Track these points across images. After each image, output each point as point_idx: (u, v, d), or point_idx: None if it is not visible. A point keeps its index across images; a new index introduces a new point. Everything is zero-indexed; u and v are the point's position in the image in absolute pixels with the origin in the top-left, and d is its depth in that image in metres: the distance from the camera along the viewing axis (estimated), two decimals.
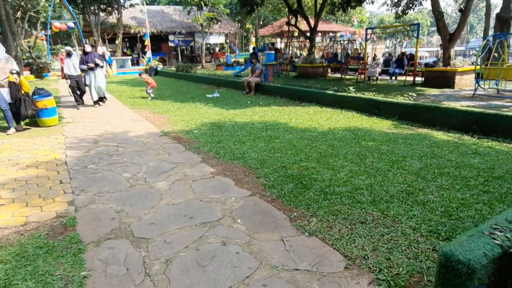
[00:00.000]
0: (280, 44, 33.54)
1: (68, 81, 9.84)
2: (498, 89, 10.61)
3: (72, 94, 10.16)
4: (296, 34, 29.17)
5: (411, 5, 19.45)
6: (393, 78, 14.73)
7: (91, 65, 9.75)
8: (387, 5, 19.64)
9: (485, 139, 5.86)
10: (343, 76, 16.44)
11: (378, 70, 15.24)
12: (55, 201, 3.60)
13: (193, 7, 25.35)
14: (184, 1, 25.68)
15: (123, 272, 2.44)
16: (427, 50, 35.97)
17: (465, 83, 12.32)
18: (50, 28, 21.15)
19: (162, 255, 2.62)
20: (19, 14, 17.50)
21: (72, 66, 9.57)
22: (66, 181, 4.20)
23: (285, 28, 24.76)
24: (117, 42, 25.55)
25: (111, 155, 5.38)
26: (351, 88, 9.24)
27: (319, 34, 36.61)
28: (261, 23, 43.69)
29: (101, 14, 25.02)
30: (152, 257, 2.58)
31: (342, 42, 18.72)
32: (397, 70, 14.59)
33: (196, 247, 2.73)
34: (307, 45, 21.79)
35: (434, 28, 14.53)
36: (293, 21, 20.18)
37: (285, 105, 9.69)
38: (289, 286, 2.29)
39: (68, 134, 6.87)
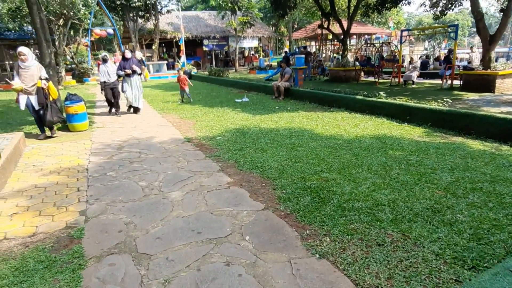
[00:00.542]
0: (314, 47, 33.07)
1: (103, 92, 9.84)
2: None
3: (106, 103, 10.19)
4: (330, 37, 28.68)
5: (450, 5, 18.47)
6: (445, 81, 13.60)
7: (128, 71, 9.58)
8: (425, 6, 18.70)
9: None
10: (376, 80, 15.88)
11: (416, 73, 14.56)
12: (68, 211, 3.64)
13: (227, 12, 25.60)
14: (218, 6, 26.01)
15: None
16: (467, 52, 34.11)
17: (506, 87, 11.48)
18: (91, 35, 22.12)
19: (161, 274, 2.53)
20: (61, 21, 18.40)
21: (107, 73, 9.47)
22: (83, 189, 4.26)
23: (319, 31, 24.39)
24: (153, 47, 26.30)
25: (132, 162, 5.43)
26: (381, 93, 8.84)
27: (354, 36, 35.81)
28: (295, 26, 43.44)
29: (139, 20, 25.86)
30: (151, 277, 2.50)
31: (376, 44, 18.09)
32: (447, 73, 13.50)
33: (198, 266, 2.62)
34: (340, 48, 21.29)
35: (475, 29, 13.68)
36: (326, 24, 19.82)
37: (313, 111, 9.44)
38: None
39: (95, 139, 7.05)
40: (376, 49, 16.99)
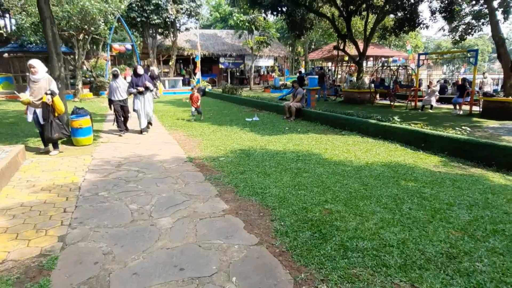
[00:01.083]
0: (330, 68, 32.93)
1: (112, 108, 9.12)
2: None
3: (115, 121, 9.26)
4: (346, 58, 28.51)
5: (469, 30, 18.13)
6: (457, 108, 13.19)
7: (141, 89, 8.89)
8: (444, 30, 18.41)
9: None
10: (392, 103, 15.48)
11: (434, 98, 14.12)
12: (47, 235, 3.38)
13: (245, 31, 25.81)
14: (236, 26, 26.27)
15: None
16: (480, 78, 33.36)
17: None
18: (110, 50, 22.53)
19: None
20: (81, 36, 18.79)
21: (117, 90, 8.91)
22: (69, 210, 4.01)
23: (335, 52, 24.25)
24: (170, 63, 26.61)
25: (128, 181, 5.19)
26: (396, 117, 8.47)
27: (371, 58, 35.59)
28: (312, 46, 43.61)
29: (158, 37, 26.30)
30: None
31: (391, 67, 17.78)
32: (460, 100, 13.14)
33: None
34: (356, 69, 21.04)
35: (496, 55, 13.23)
36: (342, 46, 19.66)
37: (324, 133, 9.12)
38: None
39: (96, 155, 6.88)
40: (392, 72, 16.65)
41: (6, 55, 21.20)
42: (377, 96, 17.19)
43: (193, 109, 11.62)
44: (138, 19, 22.53)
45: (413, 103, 14.97)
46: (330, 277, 2.72)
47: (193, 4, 24.62)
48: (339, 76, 31.51)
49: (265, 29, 25.97)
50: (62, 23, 16.63)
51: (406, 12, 17.24)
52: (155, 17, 22.32)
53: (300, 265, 2.91)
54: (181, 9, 23.86)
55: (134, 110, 9.27)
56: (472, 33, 18.68)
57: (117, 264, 2.89)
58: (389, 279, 2.69)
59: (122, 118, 9.28)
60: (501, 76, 19.53)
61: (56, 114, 6.61)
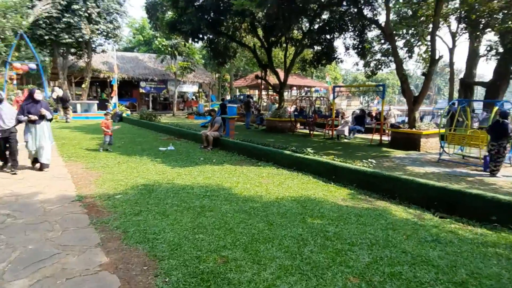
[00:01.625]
0: (252, 96, 33.57)
1: None
2: (463, 155, 10.15)
3: None
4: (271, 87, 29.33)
5: (380, 66, 19.86)
6: (351, 135, 14.62)
7: (33, 117, 7.31)
8: (357, 64, 19.88)
9: (448, 219, 5.07)
10: (311, 132, 15.95)
11: (347, 128, 14.84)
12: None
13: (167, 55, 25.17)
14: (158, 50, 25.54)
15: None
16: (398, 108, 36.92)
17: (430, 146, 11.91)
18: (10, 68, 20.19)
19: None
20: None
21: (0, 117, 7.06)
22: None
23: (259, 80, 24.74)
24: (83, 86, 24.73)
25: None
26: (309, 149, 8.50)
27: (295, 88, 37.22)
28: (239, 73, 44.39)
29: (70, 57, 24.39)
30: None
31: (310, 97, 18.52)
32: (357, 127, 14.47)
33: None
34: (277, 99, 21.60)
35: None
36: (264, 75, 20.07)
37: (240, 164, 8.81)
38: None
39: None
40: (311, 102, 17.30)
41: None
42: (298, 125, 17.64)
43: (107, 137, 10.48)
44: (47, 37, 20.65)
45: (330, 132, 15.56)
46: None
47: (111, 26, 23.41)
48: (264, 104, 32.23)
49: (189, 55, 25.65)
50: None
51: (323, 46, 18.28)
52: (66, 36, 20.64)
53: None
54: (97, 29, 22.49)
55: (24, 141, 7.54)
56: (382, 68, 20.46)
57: None
58: None
59: (8, 152, 7.44)
60: None
61: None
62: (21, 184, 6.48)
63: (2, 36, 15.48)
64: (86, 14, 21.23)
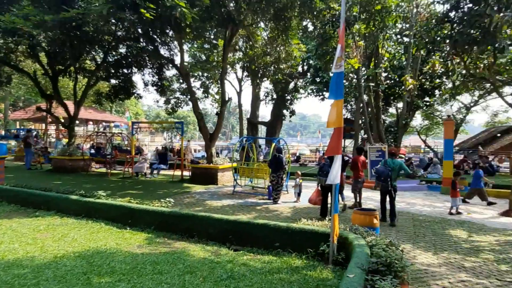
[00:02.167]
0: (38, 131, 28.81)
1: None
2: (253, 186, 11.34)
3: None
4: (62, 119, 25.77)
5: (179, 104, 20.59)
6: (155, 172, 14.48)
7: None
8: (158, 101, 20.03)
9: (242, 251, 5.31)
10: (108, 171, 14.62)
11: (146, 165, 14.36)
12: None
13: None
14: None
15: None
16: (200, 144, 39.10)
17: (227, 179, 12.84)
18: None
19: None
20: None
21: None
22: None
23: (44, 113, 21.29)
24: None
25: None
26: (100, 192, 7.59)
27: (91, 122, 34.10)
28: (20, 104, 37.46)
29: None
30: None
31: (107, 133, 17.20)
32: (162, 166, 14.40)
33: None
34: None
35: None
36: (53, 107, 17.39)
37: (9, 217, 6.97)
38: None
39: None
40: (107, 138, 16.01)
41: None
42: (94, 163, 15.89)
43: None
44: None
45: (131, 171, 14.67)
46: None
47: None
48: (53, 140, 27.96)
49: None
50: None
51: (120, 80, 17.43)
52: None
53: None
54: None
55: None
56: (181, 106, 21.21)
57: None
58: None
59: None
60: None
61: None
62: None
63: None
64: None
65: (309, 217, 6.85)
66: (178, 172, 14.00)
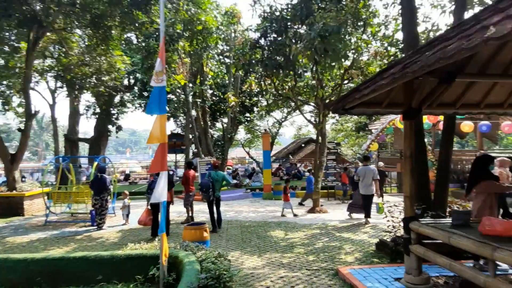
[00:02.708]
0: None
1: None
2: (72, 213, 9.93)
3: None
4: None
5: None
6: None
7: None
8: None
9: None
10: None
11: None
12: None
13: None
14: None
15: None
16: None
17: (37, 207, 10.86)
18: None
19: None
20: None
21: None
22: None
23: None
24: None
25: None
26: None
27: None
28: None
29: None
30: None
31: None
32: None
33: None
34: None
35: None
36: None
37: None
38: None
39: None
40: None
41: None
42: None
43: None
44: None
45: None
46: None
47: None
48: None
49: None
50: None
51: None
52: None
53: None
54: None
55: None
56: None
57: None
58: None
59: None
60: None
61: None
62: None
63: None
64: None
65: (138, 240, 6.41)
66: None
